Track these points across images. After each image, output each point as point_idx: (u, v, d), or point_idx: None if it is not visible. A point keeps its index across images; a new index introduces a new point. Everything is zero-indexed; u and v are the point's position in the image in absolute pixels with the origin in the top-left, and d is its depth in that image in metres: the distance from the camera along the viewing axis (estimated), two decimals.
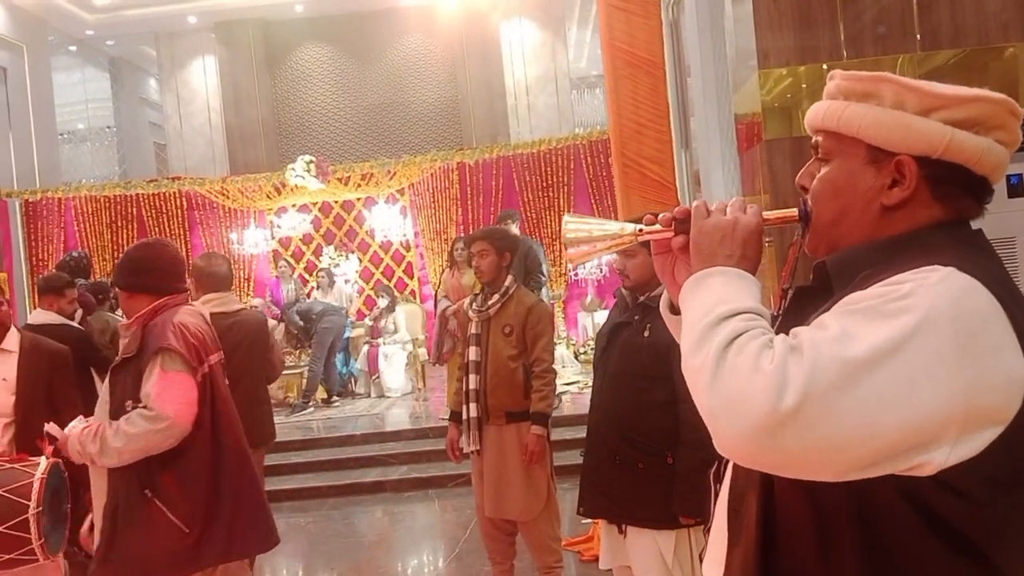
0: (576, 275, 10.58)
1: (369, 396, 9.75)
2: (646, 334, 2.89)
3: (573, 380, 8.99)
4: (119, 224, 11.38)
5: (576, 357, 9.96)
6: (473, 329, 4.06)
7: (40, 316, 4.65)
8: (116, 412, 2.70)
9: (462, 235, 9.14)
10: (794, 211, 1.21)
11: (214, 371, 2.84)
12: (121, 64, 17.36)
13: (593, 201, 10.51)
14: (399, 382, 9.72)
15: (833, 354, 0.94)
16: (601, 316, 9.33)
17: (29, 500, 2.84)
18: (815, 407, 0.92)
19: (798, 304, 1.18)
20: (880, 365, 0.93)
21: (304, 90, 15.66)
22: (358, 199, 11.47)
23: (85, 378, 4.36)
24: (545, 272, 7.69)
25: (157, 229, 11.28)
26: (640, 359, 2.89)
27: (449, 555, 5.42)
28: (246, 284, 11.37)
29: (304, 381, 9.31)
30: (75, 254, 7.91)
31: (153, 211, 11.38)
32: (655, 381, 2.83)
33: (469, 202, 10.93)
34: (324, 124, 15.67)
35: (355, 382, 10.07)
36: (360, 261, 11.45)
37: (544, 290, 7.53)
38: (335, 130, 15.64)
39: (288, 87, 15.71)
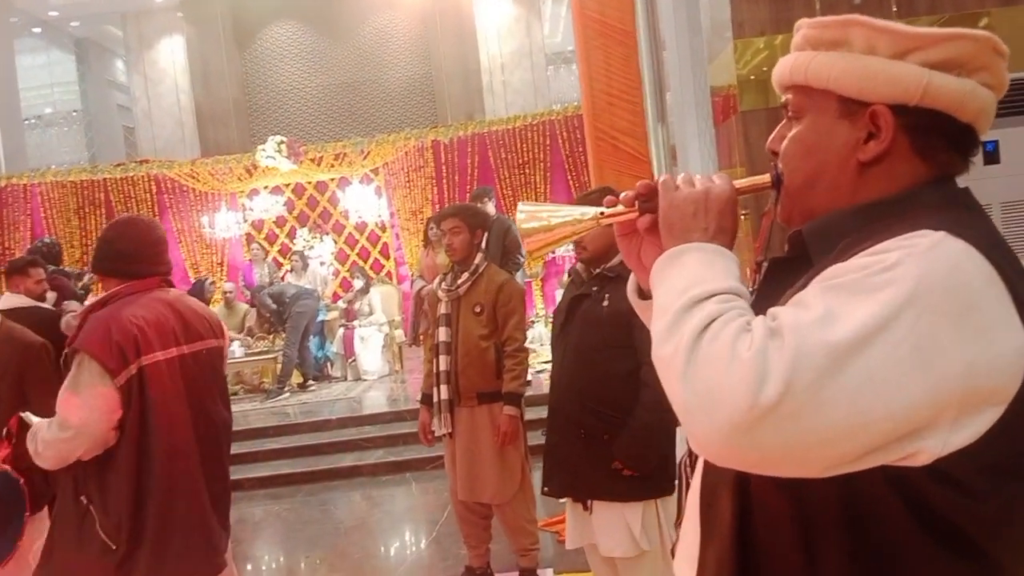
0: (553, 252, 10.49)
1: (346, 379, 9.64)
2: (605, 304, 2.82)
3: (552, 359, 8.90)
4: (87, 210, 11.12)
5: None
6: (443, 309, 3.96)
7: (9, 300, 4.51)
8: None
9: (437, 214, 9.02)
10: (766, 177, 1.11)
11: (154, 369, 2.51)
12: (87, 46, 17.03)
13: (570, 177, 10.43)
14: (376, 364, 9.61)
15: (817, 338, 0.84)
16: None
17: None
18: (799, 399, 0.82)
19: (774, 278, 1.08)
20: (867, 346, 0.83)
21: (275, 69, 15.40)
22: (331, 179, 11.27)
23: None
24: (523, 254, 7.59)
25: (127, 214, 11.07)
26: (601, 330, 2.83)
27: (427, 538, 5.35)
28: (219, 268, 11.17)
29: (278, 366, 9.17)
30: (46, 240, 7.75)
31: (122, 196, 11.13)
32: (618, 351, 2.78)
33: (444, 181, 10.79)
34: (296, 103, 15.42)
35: (331, 366, 9.94)
36: (335, 243, 11.28)
37: (520, 272, 7.41)
38: (307, 109, 15.41)
39: (258, 66, 15.44)
